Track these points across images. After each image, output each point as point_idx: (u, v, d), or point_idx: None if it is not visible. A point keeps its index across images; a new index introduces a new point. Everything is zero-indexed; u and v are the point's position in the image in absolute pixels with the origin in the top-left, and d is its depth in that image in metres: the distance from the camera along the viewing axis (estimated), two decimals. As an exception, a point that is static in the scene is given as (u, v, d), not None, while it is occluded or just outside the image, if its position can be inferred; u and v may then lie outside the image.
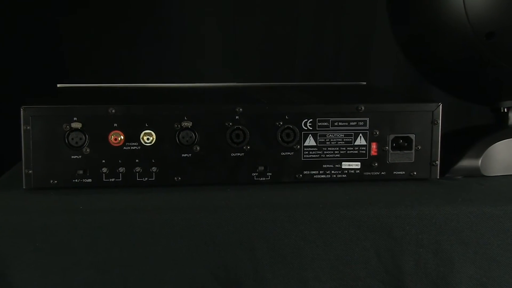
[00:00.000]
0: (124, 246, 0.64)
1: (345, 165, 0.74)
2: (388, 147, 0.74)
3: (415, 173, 0.75)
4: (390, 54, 1.21)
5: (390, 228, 0.67)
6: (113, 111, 0.70)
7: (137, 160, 0.71)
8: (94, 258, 0.64)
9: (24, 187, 0.70)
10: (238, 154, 0.72)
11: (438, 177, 0.75)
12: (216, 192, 0.70)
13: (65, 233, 0.64)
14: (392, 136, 0.74)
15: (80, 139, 0.70)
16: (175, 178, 0.72)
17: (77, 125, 0.69)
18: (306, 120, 0.73)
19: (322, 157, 0.73)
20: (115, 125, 0.70)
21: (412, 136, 0.74)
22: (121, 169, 0.71)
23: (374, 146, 0.74)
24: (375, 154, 0.74)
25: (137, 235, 0.64)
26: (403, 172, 0.75)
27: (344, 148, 0.74)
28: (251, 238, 0.65)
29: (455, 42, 0.78)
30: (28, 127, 0.69)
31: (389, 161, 0.74)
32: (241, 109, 0.71)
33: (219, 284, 0.65)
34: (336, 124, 0.73)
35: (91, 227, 0.64)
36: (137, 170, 0.71)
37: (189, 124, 0.71)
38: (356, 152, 0.74)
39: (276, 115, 0.72)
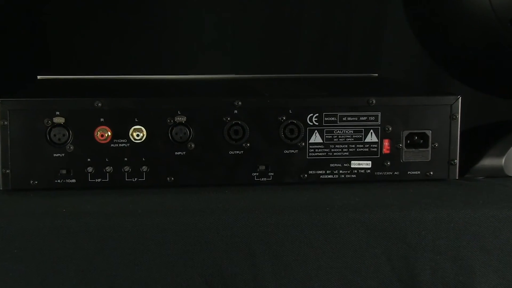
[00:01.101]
0: (111, 253, 0.64)
1: (355, 164, 0.74)
2: (402, 144, 0.74)
3: (431, 173, 0.75)
4: (404, 42, 1.21)
5: (404, 233, 0.67)
6: (100, 104, 0.70)
7: (125, 159, 0.71)
8: (78, 266, 0.64)
9: (0, 188, 0.70)
10: (237, 152, 0.72)
11: (457, 178, 0.75)
12: (212, 194, 0.71)
13: (46, 239, 0.64)
14: (406, 133, 0.74)
15: (63, 135, 0.70)
16: (168, 179, 0.72)
17: (59, 120, 0.69)
18: (312, 114, 0.73)
19: (329, 156, 0.73)
20: (102, 120, 0.70)
21: (429, 133, 0.74)
22: (108, 169, 0.71)
23: (386, 143, 0.74)
24: (388, 152, 0.74)
25: (126, 241, 0.65)
26: (418, 172, 0.75)
27: (353, 146, 0.74)
28: (251, 243, 0.66)
29: (476, 29, 0.78)
30: (6, 122, 0.69)
31: (403, 160, 0.74)
32: (240, 103, 0.71)
33: (216, 294, 0.65)
34: (344, 119, 0.73)
35: (75, 232, 0.64)
36: (125, 170, 0.71)
37: (183, 119, 0.71)
38: (367, 150, 0.74)
39: (279, 109, 0.72)
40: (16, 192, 0.70)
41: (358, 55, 1.26)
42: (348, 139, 0.73)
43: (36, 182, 0.70)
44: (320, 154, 0.73)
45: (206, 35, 1.23)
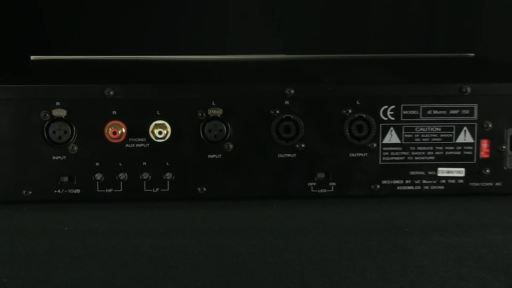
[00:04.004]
0: (125, 284, 0.66)
1: (443, 172, 0.74)
2: (506, 146, 0.74)
3: (545, 184, 0.75)
4: (510, 13, 1.20)
5: (508, 263, 0.67)
6: (111, 92, 0.71)
7: (144, 163, 0.72)
8: (83, 300, 0.66)
9: (-14, 200, 0.72)
10: (288, 155, 0.73)
11: None
12: (256, 209, 0.72)
13: (44, 264, 0.65)
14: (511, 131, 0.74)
15: (65, 132, 0.71)
16: (198, 189, 0.73)
17: (60, 112, 0.71)
18: (386, 107, 0.73)
19: (409, 160, 0.74)
20: (114, 112, 0.71)
21: (542, 131, 0.74)
22: (122, 176, 0.73)
23: (485, 144, 0.74)
24: (487, 156, 0.74)
25: (144, 269, 0.66)
26: (528, 183, 0.75)
27: (441, 148, 0.74)
28: (306, 274, 0.66)
29: None
30: (-7, 115, 0.71)
31: (508, 166, 0.74)
32: (292, 91, 0.72)
33: None
34: (429, 112, 0.73)
35: (80, 256, 0.65)
36: (144, 177, 0.73)
37: (218, 112, 0.72)
38: (459, 153, 0.74)
39: (343, 99, 0.73)
40: (5, 205, 0.72)
41: (448, 30, 1.25)
42: (434, 139, 0.74)
43: (30, 193, 0.72)
44: (397, 158, 0.74)
45: (246, 2, 1.23)
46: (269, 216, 0.70)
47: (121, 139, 0.71)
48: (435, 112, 0.73)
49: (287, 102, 0.72)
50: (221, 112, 0.72)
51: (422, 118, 0.73)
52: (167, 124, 0.72)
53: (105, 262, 0.65)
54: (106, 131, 0.71)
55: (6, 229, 0.67)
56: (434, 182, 0.74)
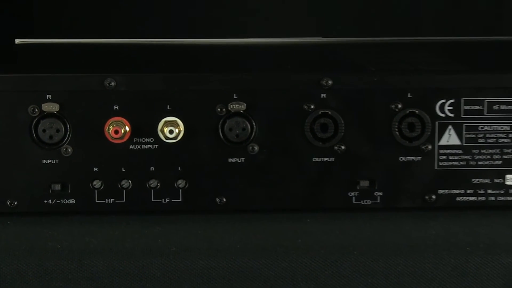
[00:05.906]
0: (130, 313, 0.66)
1: (512, 179, 0.74)
2: None
3: None
4: None
5: None
6: (113, 83, 0.72)
7: (152, 168, 0.73)
8: (79, 332, 0.66)
9: (-37, 212, 0.73)
10: (325, 158, 0.73)
11: None
12: (286, 224, 0.72)
13: (33, 287, 0.66)
14: None
15: (57, 131, 0.72)
16: (217, 200, 0.73)
17: (51, 107, 0.71)
18: (444, 101, 0.73)
19: (471, 166, 0.74)
20: (116, 107, 0.72)
21: None
22: (126, 183, 0.73)
23: None
24: None
25: (153, 295, 0.66)
26: None
27: (509, 151, 0.74)
28: (347, 302, 0.67)
29: None
30: (-29, 111, 0.72)
31: None
32: (330, 82, 0.72)
33: None
34: (496, 108, 0.73)
35: (75, 279, 0.66)
36: (152, 185, 0.73)
37: (241, 106, 0.72)
38: (532, 157, 0.74)
39: (391, 91, 0.73)
40: (-15, 217, 0.73)
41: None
42: (502, 140, 0.74)
43: (15, 203, 0.72)
44: (457, 163, 0.74)
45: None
46: (302, 233, 0.70)
47: (124, 139, 0.72)
48: (503, 107, 0.73)
49: (323, 95, 0.73)
50: (245, 107, 0.72)
51: (487, 115, 0.73)
52: (179, 121, 0.72)
53: (105, 287, 0.66)
54: (107, 129, 0.72)
55: (-12, 246, 0.68)
56: (502, 192, 0.74)
